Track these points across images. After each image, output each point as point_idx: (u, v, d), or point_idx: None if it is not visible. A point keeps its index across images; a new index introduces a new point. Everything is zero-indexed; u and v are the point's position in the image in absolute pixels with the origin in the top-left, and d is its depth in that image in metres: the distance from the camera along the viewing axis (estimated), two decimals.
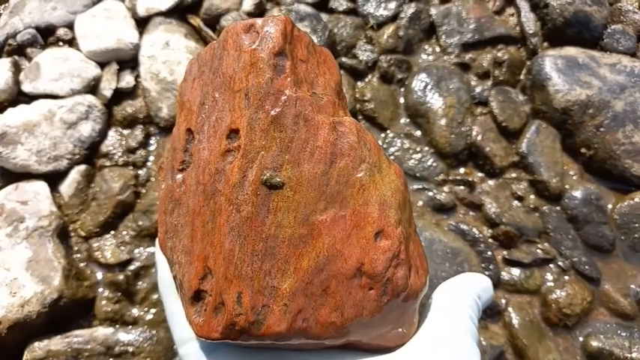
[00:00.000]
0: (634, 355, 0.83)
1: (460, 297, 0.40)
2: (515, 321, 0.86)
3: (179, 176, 0.37)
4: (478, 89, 1.06)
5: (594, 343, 0.85)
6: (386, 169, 0.35)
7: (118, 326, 0.83)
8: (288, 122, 0.32)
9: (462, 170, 0.99)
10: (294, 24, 0.35)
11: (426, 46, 1.12)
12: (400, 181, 0.35)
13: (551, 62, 1.03)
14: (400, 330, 0.35)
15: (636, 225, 0.93)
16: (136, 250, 0.89)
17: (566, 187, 0.96)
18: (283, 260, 0.31)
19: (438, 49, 1.11)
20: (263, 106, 0.32)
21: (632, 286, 0.91)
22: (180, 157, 0.37)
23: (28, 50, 1.03)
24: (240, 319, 0.30)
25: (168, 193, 0.38)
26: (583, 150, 0.99)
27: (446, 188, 0.96)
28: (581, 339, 0.86)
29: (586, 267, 0.90)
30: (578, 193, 0.95)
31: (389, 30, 1.09)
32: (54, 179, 0.92)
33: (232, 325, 0.31)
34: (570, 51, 1.05)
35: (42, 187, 0.90)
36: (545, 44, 1.10)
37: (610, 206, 0.96)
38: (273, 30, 0.33)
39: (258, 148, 0.31)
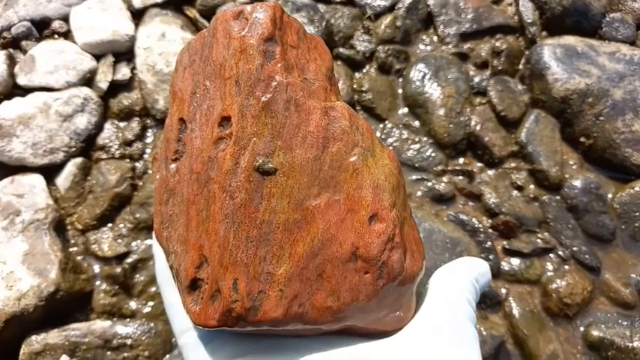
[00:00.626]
0: (635, 344, 0.83)
1: (458, 281, 0.40)
2: (516, 311, 0.85)
3: (173, 166, 0.37)
4: (477, 79, 1.05)
5: (595, 333, 0.84)
6: (379, 153, 0.35)
7: (115, 319, 0.83)
8: (279, 108, 0.32)
9: (461, 160, 0.99)
10: (283, 10, 0.34)
11: (424, 37, 1.11)
12: (394, 165, 0.35)
13: (549, 51, 1.02)
14: (397, 314, 0.35)
15: (636, 214, 0.93)
16: (134, 243, 0.89)
17: (566, 176, 0.96)
18: (278, 246, 0.31)
19: (436, 39, 1.11)
20: (254, 92, 0.32)
21: (633, 275, 0.90)
22: (173, 147, 0.37)
23: (23, 43, 1.02)
24: (237, 305, 0.30)
25: (162, 183, 0.38)
26: (582, 139, 0.98)
27: (445, 178, 0.96)
28: (581, 329, 0.86)
29: (586, 256, 0.90)
30: (577, 183, 0.95)
31: (386, 20, 1.09)
32: (50, 172, 0.91)
33: (229, 311, 0.31)
34: (569, 40, 1.05)
35: (38, 180, 0.89)
36: (544, 33, 1.10)
37: (610, 195, 0.96)
38: (262, 16, 0.33)
39: (249, 135, 0.31)
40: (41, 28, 1.04)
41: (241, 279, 0.30)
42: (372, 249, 0.32)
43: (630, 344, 0.83)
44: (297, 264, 0.31)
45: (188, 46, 0.38)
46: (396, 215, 0.33)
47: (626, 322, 0.85)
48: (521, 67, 1.07)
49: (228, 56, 0.33)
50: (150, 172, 0.94)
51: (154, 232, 0.40)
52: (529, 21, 1.09)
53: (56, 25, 1.04)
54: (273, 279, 0.30)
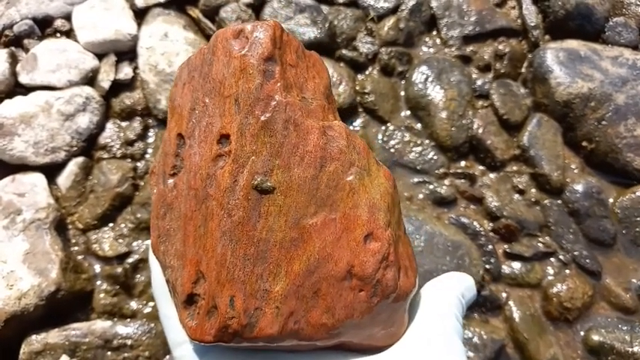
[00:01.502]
0: (635, 349, 0.83)
1: (445, 296, 0.41)
2: (516, 315, 0.85)
3: (170, 181, 0.37)
4: (479, 82, 1.05)
5: (595, 337, 0.84)
6: (375, 172, 0.35)
7: (116, 319, 0.83)
8: (278, 127, 0.32)
9: (462, 163, 0.99)
10: (283, 29, 0.35)
11: (427, 39, 1.11)
12: (389, 184, 0.35)
13: (552, 55, 1.02)
14: (390, 330, 0.36)
15: (638, 219, 0.93)
16: (135, 243, 0.89)
17: (568, 180, 0.96)
18: (275, 264, 0.31)
19: (438, 41, 1.11)
20: (253, 111, 0.32)
21: (634, 280, 0.90)
22: (171, 161, 0.37)
23: (25, 41, 1.02)
24: (233, 322, 0.31)
25: (160, 197, 0.38)
26: (584, 143, 0.98)
27: (447, 181, 0.96)
28: (582, 333, 0.86)
29: (587, 261, 0.90)
30: (579, 187, 0.95)
31: (389, 22, 1.08)
32: (51, 171, 0.91)
33: (225, 328, 0.31)
34: (572, 44, 1.05)
35: (39, 179, 0.89)
36: (547, 37, 1.10)
37: (611, 200, 0.96)
38: (262, 35, 0.33)
39: (248, 153, 0.32)
40: (43, 26, 1.04)
41: (238, 296, 0.31)
42: (367, 268, 0.32)
43: (630, 349, 0.83)
44: (294, 282, 0.31)
45: (187, 62, 0.39)
46: (391, 234, 0.33)
47: (626, 327, 0.86)
48: (523, 70, 1.07)
49: (228, 74, 0.33)
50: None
51: (150, 245, 0.40)
52: (532, 24, 1.09)
53: (58, 23, 1.04)
54: (270, 296, 0.31)
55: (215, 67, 0.34)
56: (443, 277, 0.44)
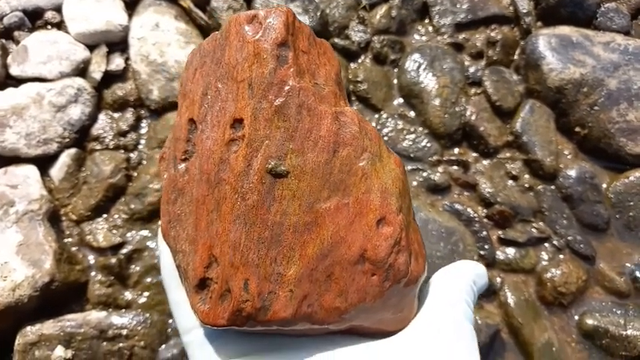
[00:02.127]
0: (629, 332, 0.83)
1: (457, 283, 0.42)
2: (511, 300, 0.85)
3: (182, 166, 0.37)
4: (472, 69, 1.05)
5: (589, 322, 0.85)
6: (386, 159, 0.35)
7: (111, 310, 0.83)
8: (291, 112, 0.32)
9: (456, 150, 0.99)
10: (295, 15, 0.35)
11: (419, 27, 1.11)
12: (400, 170, 0.36)
13: (544, 41, 1.02)
14: (400, 314, 0.36)
15: (631, 203, 0.93)
16: (129, 234, 0.88)
17: (561, 166, 0.96)
18: (288, 247, 0.31)
19: (431, 29, 1.10)
20: (267, 96, 0.32)
21: (627, 264, 0.91)
22: (182, 146, 0.37)
23: (16, 33, 1.01)
24: (247, 305, 0.31)
25: (170, 182, 0.38)
26: (577, 129, 0.98)
27: (440, 168, 0.96)
28: (576, 317, 0.86)
29: (581, 246, 0.90)
30: (572, 172, 0.95)
31: (381, 10, 1.08)
32: (44, 163, 0.91)
33: (239, 311, 0.31)
34: (564, 30, 1.05)
35: (32, 170, 0.88)
36: (539, 23, 1.09)
37: (605, 185, 0.96)
38: (276, 21, 0.33)
39: (262, 138, 0.32)
40: (34, 18, 1.03)
41: (252, 279, 0.31)
42: (380, 252, 0.33)
43: (624, 332, 0.83)
44: (307, 265, 0.31)
45: (199, 48, 0.39)
46: (403, 219, 0.34)
47: (620, 311, 0.86)
48: (516, 57, 1.07)
49: (241, 59, 0.33)
50: (144, 162, 0.94)
51: (160, 231, 0.40)
52: (524, 11, 1.09)
53: (49, 15, 1.03)
54: (284, 280, 0.31)
55: (228, 52, 0.34)
56: (456, 264, 0.44)
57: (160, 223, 0.41)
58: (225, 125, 0.33)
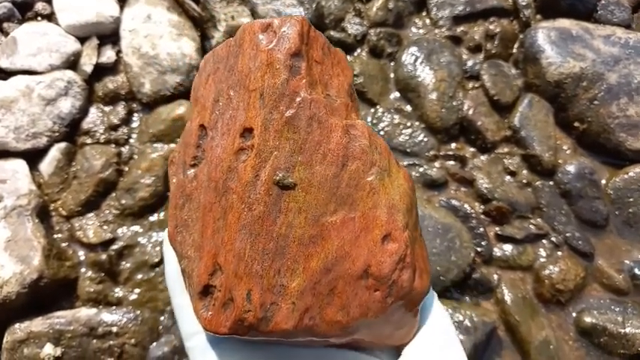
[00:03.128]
0: (627, 330, 0.82)
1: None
2: (508, 297, 0.84)
3: (191, 172, 0.37)
4: (470, 63, 1.03)
5: (587, 319, 0.84)
6: (395, 173, 0.35)
7: (101, 307, 0.81)
8: (302, 124, 0.32)
9: (453, 145, 0.97)
10: (310, 24, 0.35)
11: (417, 20, 1.09)
12: (408, 185, 0.36)
13: (544, 34, 1.00)
14: (401, 331, 0.36)
15: (630, 200, 0.92)
16: (119, 230, 0.87)
17: (560, 161, 0.95)
18: (293, 260, 0.32)
19: (428, 22, 1.09)
20: (278, 106, 0.32)
21: (626, 261, 0.89)
22: (192, 152, 0.38)
23: (5, 25, 0.99)
24: (249, 315, 0.31)
25: (179, 187, 0.39)
26: (576, 124, 0.97)
27: (437, 164, 0.94)
28: (574, 315, 0.85)
29: (579, 242, 0.89)
30: (571, 168, 0.93)
31: (378, 3, 1.06)
32: (33, 157, 0.89)
33: (241, 321, 0.31)
34: (564, 23, 1.03)
35: (21, 165, 0.87)
36: (538, 16, 1.08)
37: (604, 181, 0.95)
38: (290, 30, 0.33)
39: (271, 149, 0.32)
40: (24, 10, 1.02)
41: (255, 290, 0.31)
42: (384, 268, 0.32)
43: (622, 330, 0.82)
44: (311, 278, 0.31)
45: (213, 54, 0.39)
46: (409, 236, 0.34)
47: (618, 309, 0.85)
48: (515, 50, 1.06)
49: (254, 68, 0.33)
50: (136, 157, 0.92)
51: (166, 235, 0.40)
52: (523, 3, 1.07)
53: (39, 6, 1.01)
54: (286, 292, 0.31)
55: (241, 60, 0.34)
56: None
57: (167, 227, 0.41)
58: (235, 134, 0.33)
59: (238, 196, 0.32)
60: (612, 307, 0.85)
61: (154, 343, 0.80)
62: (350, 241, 0.32)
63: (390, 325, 0.35)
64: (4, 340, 0.76)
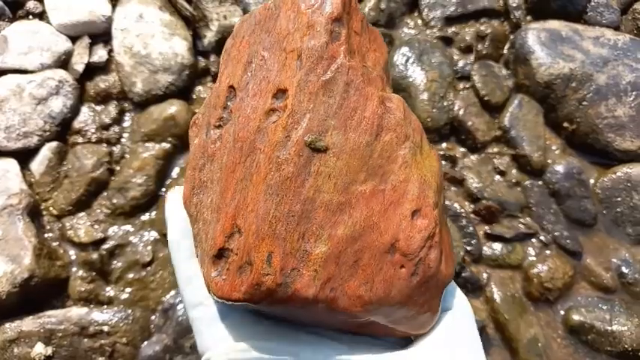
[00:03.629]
0: (614, 327, 0.83)
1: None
2: (497, 296, 0.85)
3: (215, 132, 0.36)
4: (461, 63, 1.04)
5: (575, 317, 0.85)
6: (427, 152, 0.35)
7: (92, 306, 0.81)
8: (338, 89, 0.31)
9: (444, 145, 0.98)
10: None
11: (408, 20, 1.10)
12: (438, 166, 0.35)
13: (534, 36, 1.01)
14: (421, 318, 0.35)
15: (618, 199, 0.93)
16: (111, 229, 0.87)
17: (549, 161, 0.96)
18: (318, 225, 0.30)
19: (420, 22, 1.09)
20: (315, 69, 0.31)
21: (614, 260, 0.90)
22: (218, 113, 0.36)
23: None
24: (268, 279, 0.29)
25: (200, 148, 0.37)
26: (566, 124, 0.98)
27: None
28: (562, 313, 0.86)
29: (568, 241, 0.90)
30: (560, 168, 0.94)
31: (370, 3, 1.07)
32: (24, 157, 0.89)
33: (258, 285, 0.29)
34: (554, 24, 1.04)
35: (11, 164, 0.87)
36: (529, 18, 1.09)
37: (592, 180, 0.96)
38: None
39: (305, 110, 0.31)
40: (15, 8, 1.01)
41: (277, 253, 0.30)
42: (412, 243, 0.32)
43: (610, 328, 0.83)
44: (336, 247, 0.30)
45: (249, 16, 0.38)
46: (438, 214, 0.33)
47: (606, 307, 0.86)
48: (505, 51, 1.06)
49: (293, 30, 0.32)
50: (127, 156, 0.92)
51: (172, 198, 0.39)
52: (514, 5, 1.08)
53: (30, 5, 1.01)
54: (309, 258, 0.30)
55: (280, 21, 0.33)
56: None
57: (171, 191, 0.40)
58: (268, 94, 0.32)
59: (266, 156, 0.31)
60: (600, 305, 0.86)
61: (145, 342, 0.80)
62: (379, 212, 0.31)
63: (411, 308, 0.33)
64: None
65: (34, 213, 0.85)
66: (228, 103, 0.36)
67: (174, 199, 0.39)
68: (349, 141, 0.31)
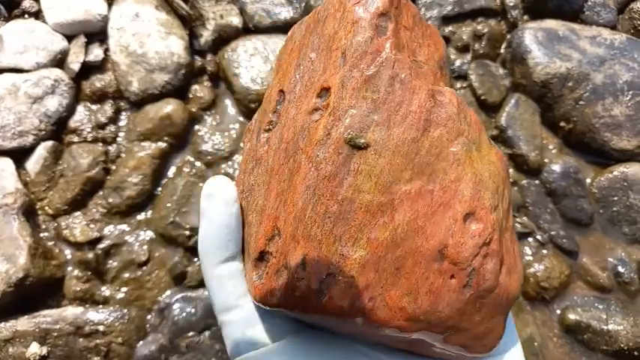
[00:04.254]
0: (610, 326, 0.83)
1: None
2: None
3: (264, 136, 0.35)
4: (458, 62, 1.04)
5: (571, 316, 0.85)
6: (486, 150, 0.32)
7: (87, 305, 0.81)
8: (382, 83, 0.29)
9: None
10: None
11: None
12: (501, 166, 0.32)
13: (531, 35, 1.01)
14: (482, 341, 0.31)
15: (614, 198, 0.93)
16: (106, 228, 0.87)
17: (545, 160, 0.96)
18: (357, 228, 0.28)
19: None
20: (358, 64, 0.29)
21: (610, 259, 0.90)
22: (268, 118, 0.35)
23: None
24: (302, 284, 0.28)
25: (250, 152, 0.36)
26: (562, 123, 0.98)
27: None
28: (558, 312, 0.86)
29: (564, 240, 0.90)
30: (557, 167, 0.94)
31: None
32: (19, 156, 0.89)
33: (292, 290, 0.28)
34: (550, 24, 1.04)
35: (6, 163, 0.86)
36: (526, 17, 1.09)
37: (589, 180, 0.96)
38: None
39: (347, 107, 0.29)
40: (10, 7, 1.01)
41: (311, 255, 0.28)
42: (464, 250, 0.28)
43: (605, 327, 0.83)
44: (375, 251, 0.28)
45: (301, 22, 0.37)
46: (497, 219, 0.30)
47: (602, 306, 0.86)
48: (502, 50, 1.06)
49: (339, 28, 0.31)
50: (123, 155, 0.92)
51: (211, 190, 0.37)
52: (511, 4, 1.08)
53: (26, 4, 1.01)
54: (346, 263, 0.28)
55: (328, 22, 0.32)
56: None
57: (209, 181, 0.37)
58: (312, 94, 0.31)
59: (307, 156, 0.29)
60: (596, 304, 0.86)
61: (141, 342, 0.80)
62: (425, 214, 0.28)
63: (466, 327, 0.29)
64: None
65: (29, 212, 0.85)
66: (278, 107, 0.35)
67: (211, 192, 0.36)
68: (393, 137, 0.29)
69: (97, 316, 0.80)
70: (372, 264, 0.28)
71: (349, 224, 0.28)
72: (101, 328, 0.79)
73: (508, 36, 1.07)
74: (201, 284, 0.83)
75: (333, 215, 0.28)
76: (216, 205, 0.34)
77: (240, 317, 0.33)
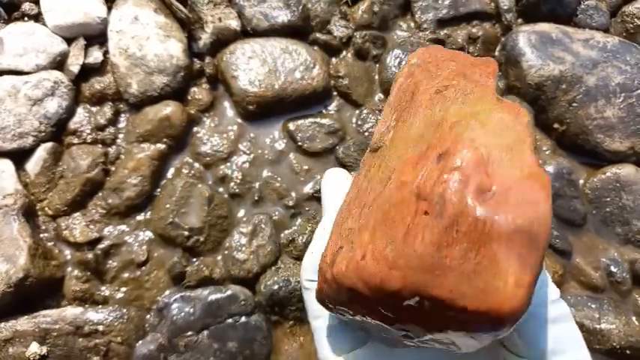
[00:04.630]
0: (603, 325, 0.84)
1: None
2: None
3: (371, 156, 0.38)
4: None
5: None
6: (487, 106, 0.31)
7: (87, 306, 0.82)
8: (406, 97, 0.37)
9: None
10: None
11: (401, 22, 1.11)
12: (510, 117, 0.29)
13: (525, 38, 1.03)
14: (477, 281, 0.25)
15: (607, 199, 0.94)
16: (106, 229, 0.88)
17: (539, 162, 0.97)
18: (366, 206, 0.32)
19: (412, 25, 1.10)
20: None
21: (603, 259, 0.92)
22: (376, 139, 0.38)
23: None
24: (324, 265, 0.31)
25: (354, 185, 0.38)
26: (556, 125, 0.99)
27: None
28: None
29: (557, 241, 0.91)
30: (550, 168, 0.96)
31: (364, 5, 1.08)
32: (19, 157, 0.89)
33: (323, 274, 0.31)
34: (544, 27, 1.05)
35: (6, 165, 0.87)
36: (520, 20, 1.10)
37: (582, 181, 0.97)
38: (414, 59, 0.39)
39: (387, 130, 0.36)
40: (10, 9, 1.02)
41: (334, 239, 0.32)
42: (429, 179, 0.26)
43: (598, 326, 0.84)
44: (369, 216, 0.30)
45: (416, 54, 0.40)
46: (478, 150, 0.27)
47: (595, 305, 0.87)
48: (496, 53, 1.08)
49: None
50: (122, 157, 0.93)
51: (329, 186, 0.42)
52: (505, 7, 1.09)
53: (26, 7, 1.01)
54: (350, 233, 0.31)
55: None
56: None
57: (329, 171, 0.43)
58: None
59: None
60: (589, 303, 0.87)
61: (140, 341, 0.81)
62: (405, 168, 0.28)
63: (448, 266, 0.25)
64: None
65: (29, 213, 0.85)
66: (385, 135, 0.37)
67: (330, 187, 0.41)
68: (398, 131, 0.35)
69: (96, 315, 0.80)
70: (367, 226, 0.29)
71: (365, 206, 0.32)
72: (100, 327, 0.80)
73: (502, 39, 1.08)
74: (199, 284, 0.84)
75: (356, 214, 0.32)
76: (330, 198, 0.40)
77: (326, 324, 0.37)
